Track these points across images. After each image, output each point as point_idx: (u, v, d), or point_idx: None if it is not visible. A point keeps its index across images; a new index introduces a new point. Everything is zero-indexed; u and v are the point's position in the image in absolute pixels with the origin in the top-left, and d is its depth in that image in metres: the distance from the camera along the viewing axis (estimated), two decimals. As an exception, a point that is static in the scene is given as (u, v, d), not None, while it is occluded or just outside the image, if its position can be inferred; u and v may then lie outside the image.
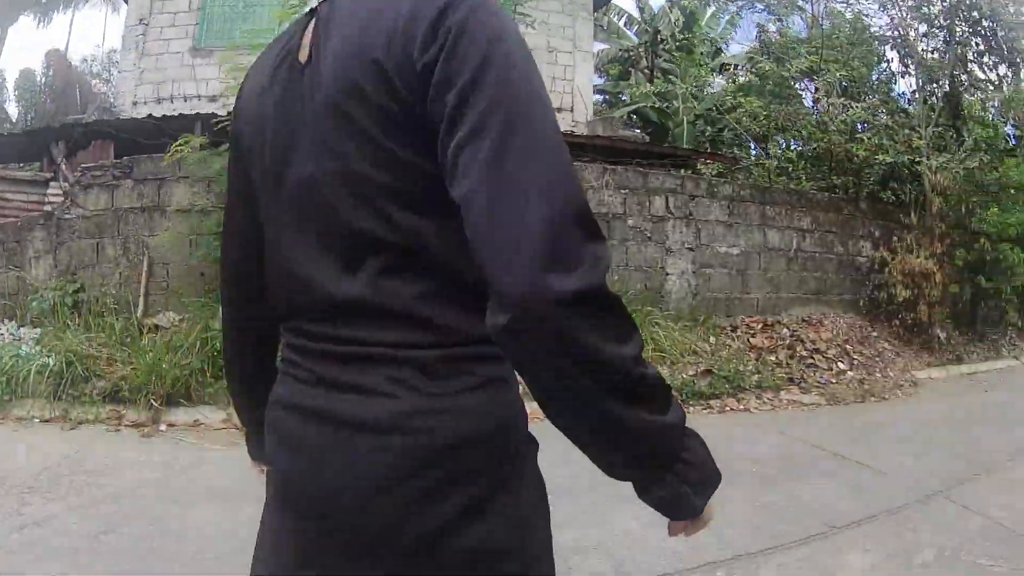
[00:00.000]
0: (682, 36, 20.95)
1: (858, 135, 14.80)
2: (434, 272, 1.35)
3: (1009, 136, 17.10)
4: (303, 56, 1.44)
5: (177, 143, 9.23)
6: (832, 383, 10.96)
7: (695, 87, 19.01)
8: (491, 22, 1.28)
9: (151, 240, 10.03)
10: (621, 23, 24.02)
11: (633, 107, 19.35)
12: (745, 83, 19.49)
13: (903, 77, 17.78)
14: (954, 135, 15.43)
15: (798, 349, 11.71)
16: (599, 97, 23.30)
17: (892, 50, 17.70)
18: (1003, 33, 16.27)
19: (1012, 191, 14.37)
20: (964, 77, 16.50)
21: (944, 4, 16.27)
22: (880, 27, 18.26)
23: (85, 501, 5.59)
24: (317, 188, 1.39)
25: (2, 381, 8.11)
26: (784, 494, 6.26)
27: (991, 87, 17.01)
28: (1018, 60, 16.85)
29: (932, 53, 16.53)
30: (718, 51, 22.64)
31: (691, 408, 9.37)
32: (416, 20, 1.28)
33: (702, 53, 20.91)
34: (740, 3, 20.97)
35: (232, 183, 1.73)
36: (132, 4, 16.47)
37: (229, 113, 8.50)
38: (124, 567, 4.51)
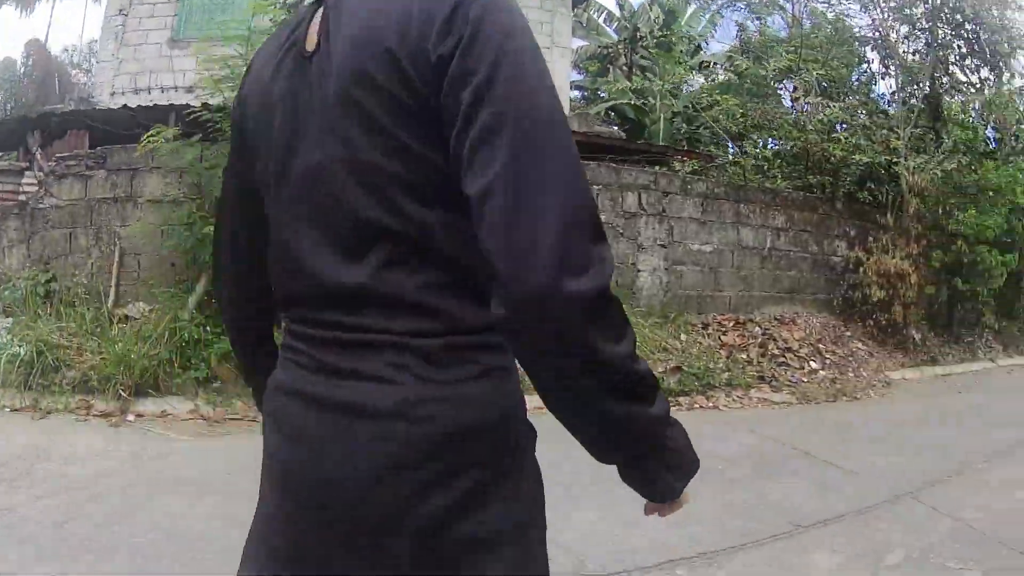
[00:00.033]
0: (661, 33, 20.89)
1: (835, 135, 14.72)
2: (439, 262, 1.35)
3: (989, 139, 17.09)
4: (310, 45, 1.44)
5: (149, 133, 9.18)
6: (804, 382, 10.91)
7: (672, 84, 18.93)
8: (506, 19, 1.29)
9: (123, 230, 9.97)
10: (601, 19, 23.95)
11: (610, 103, 19.32)
12: (724, 81, 19.46)
13: (883, 78, 17.84)
14: (933, 137, 15.37)
15: (770, 347, 11.64)
16: (577, 93, 23.27)
17: (873, 51, 17.72)
18: (986, 36, 16.26)
19: (990, 193, 14.35)
20: (945, 79, 16.45)
21: (927, 6, 16.25)
22: (861, 28, 18.32)
23: (49, 490, 5.55)
24: (324, 177, 1.39)
25: (-27, 371, 8.06)
26: (752, 492, 6.22)
27: (972, 90, 17.00)
28: (1000, 63, 16.87)
29: (913, 55, 16.58)
30: (698, 49, 22.62)
31: (660, 405, 9.21)
32: (431, 12, 1.28)
33: (681, 51, 20.88)
34: (721, 1, 20.98)
35: (232, 176, 1.74)
36: (112, -6, 16.30)
37: (204, 104, 9.15)
38: (86, 556, 4.47)
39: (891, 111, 16.68)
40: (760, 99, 17.30)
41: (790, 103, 17.73)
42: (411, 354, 1.33)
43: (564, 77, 17.47)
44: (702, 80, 21.33)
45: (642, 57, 21.07)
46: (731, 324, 12.20)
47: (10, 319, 9.29)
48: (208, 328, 8.51)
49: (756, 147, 15.89)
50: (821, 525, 5.50)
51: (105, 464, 6.21)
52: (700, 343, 11.34)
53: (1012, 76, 17.80)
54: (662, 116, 17.82)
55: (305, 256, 1.44)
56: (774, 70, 17.12)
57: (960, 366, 13.71)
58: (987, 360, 14.46)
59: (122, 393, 7.80)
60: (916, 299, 13.39)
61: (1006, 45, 16.58)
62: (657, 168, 13.44)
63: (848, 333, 13.29)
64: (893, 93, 16.98)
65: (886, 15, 16.70)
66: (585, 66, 23.64)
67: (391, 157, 1.31)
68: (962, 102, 16.69)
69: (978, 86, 17.05)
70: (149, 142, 9.16)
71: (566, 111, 14.91)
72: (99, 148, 10.78)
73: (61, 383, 7.95)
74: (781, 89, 18.49)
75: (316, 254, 1.42)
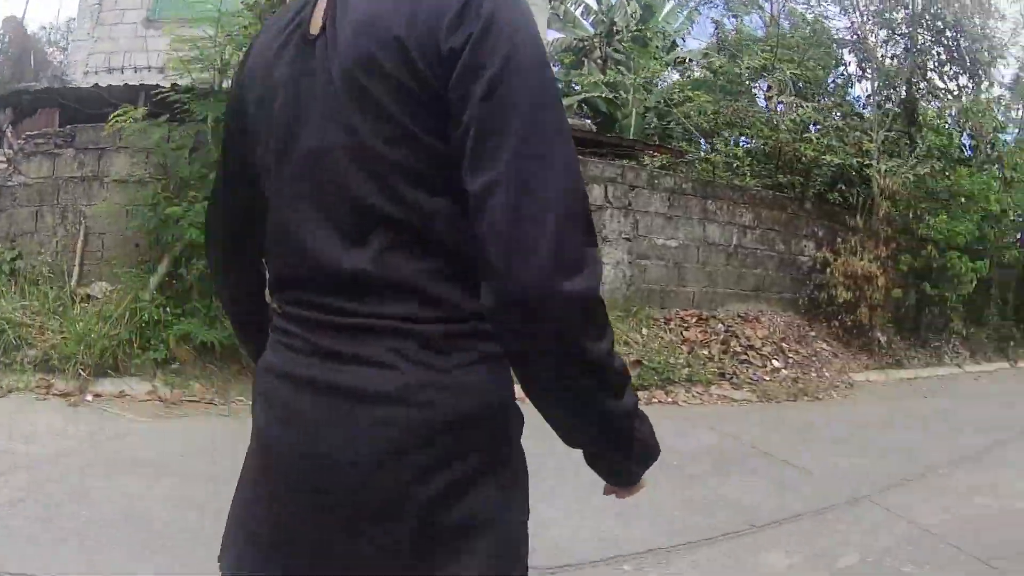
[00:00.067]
0: (637, 28, 20.78)
1: (807, 135, 14.72)
2: (439, 250, 1.36)
3: (965, 146, 17.11)
4: (314, 28, 1.43)
5: (116, 113, 9.11)
6: (765, 380, 10.87)
7: (646, 79, 18.83)
8: (517, 16, 1.31)
9: (89, 209, 9.93)
10: (578, 12, 23.81)
11: (583, 96, 19.16)
12: (699, 78, 19.41)
13: (860, 81, 17.96)
14: (908, 141, 15.36)
15: (732, 345, 11.58)
16: (551, 85, 22.92)
17: (850, 54, 17.71)
18: (967, 44, 16.30)
19: (963, 200, 14.39)
20: (923, 85, 16.47)
21: (907, 12, 16.27)
22: (839, 30, 18.32)
23: (7, 468, 5.53)
24: (326, 162, 1.39)
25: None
26: (708, 489, 6.21)
27: (950, 96, 17.00)
28: (980, 72, 16.91)
29: (891, 59, 16.52)
30: (674, 45, 22.53)
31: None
32: (441, 2, 1.29)
33: (657, 47, 20.74)
34: (699, -1, 20.93)
35: (229, 160, 1.72)
36: (89, -27, 16.25)
37: (172, 85, 9.25)
38: (36, 536, 4.47)
39: (866, 114, 16.69)
40: (733, 96, 17.22)
41: (764, 102, 17.63)
42: (411, 340, 1.34)
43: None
44: (677, 76, 21.27)
45: (615, 50, 20.96)
46: (694, 320, 12.13)
47: (-26, 296, 9.34)
48: (168, 309, 8.46)
49: (727, 144, 15.78)
50: (776, 525, 5.45)
51: (63, 444, 6.21)
52: (662, 338, 11.27)
53: (991, 85, 17.92)
54: (634, 111, 17.75)
55: (305, 239, 1.43)
56: (748, 68, 17.02)
57: (926, 370, 13.73)
58: (954, 366, 14.51)
59: (82, 373, 7.78)
60: (883, 302, 13.38)
61: (987, 54, 16.66)
62: (625, 162, 13.34)
63: (812, 333, 13.25)
64: (869, 96, 17.01)
65: (865, 19, 16.66)
66: (560, 58, 23.44)
67: (396, 145, 1.32)
68: (938, 108, 16.70)
69: (956, 93, 17.06)
70: (117, 122, 9.08)
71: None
72: (68, 127, 10.76)
73: (22, 361, 7.94)
74: (756, 88, 18.46)
75: (317, 238, 1.41)
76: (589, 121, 17.92)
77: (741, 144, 16.12)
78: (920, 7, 16.00)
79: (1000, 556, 4.96)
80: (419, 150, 1.31)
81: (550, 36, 20.66)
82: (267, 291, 1.68)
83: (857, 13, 16.78)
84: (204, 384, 7.90)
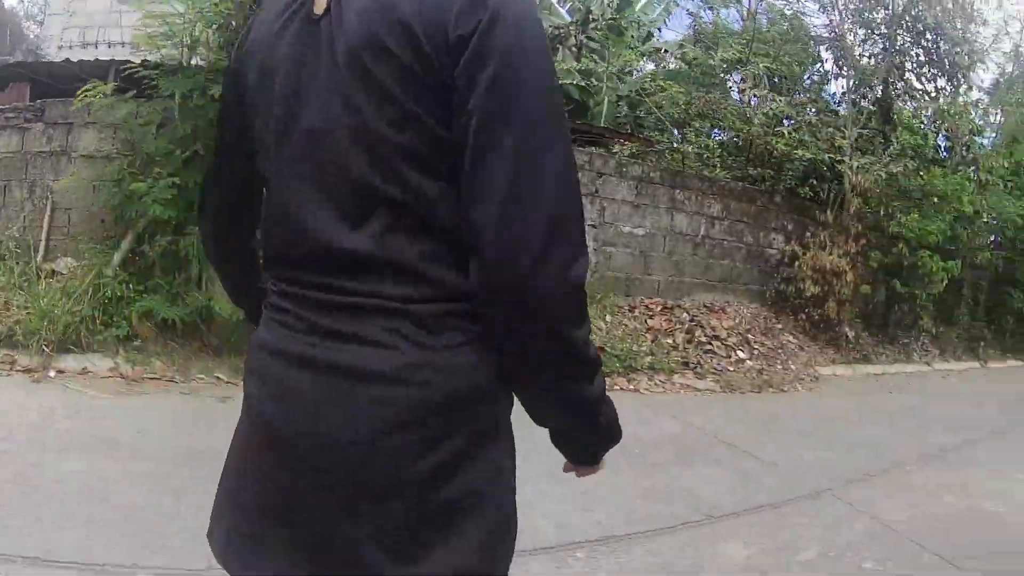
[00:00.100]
0: (612, 17, 20.67)
1: (780, 129, 14.81)
2: (436, 231, 1.37)
3: (940, 147, 17.28)
4: (319, 8, 1.42)
5: (84, 88, 9.00)
6: (729, 371, 10.81)
7: (618, 68, 18.74)
8: (522, 8, 1.33)
9: (56, 184, 9.82)
10: (554, 0, 23.74)
11: (557, 83, 19.05)
12: (674, 69, 19.37)
13: (836, 79, 17.93)
14: (882, 139, 15.42)
15: (697, 334, 11.50)
16: (524, 72, 22.90)
17: (827, 51, 17.73)
18: (946, 47, 16.31)
19: (935, 199, 14.48)
20: (900, 85, 16.53)
21: (887, 12, 16.25)
22: (817, 27, 18.35)
23: None
24: (328, 142, 1.39)
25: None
26: (667, 479, 6.11)
27: (927, 97, 17.07)
28: (959, 75, 16.88)
29: (869, 58, 16.53)
30: (650, 35, 22.45)
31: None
32: None
33: (633, 36, 20.66)
34: (677, -11, 20.89)
35: (226, 130, 1.72)
36: (66, -55, 16.41)
37: (143, 61, 9.10)
38: None
39: (841, 111, 16.74)
40: (707, 88, 17.27)
41: (738, 95, 17.68)
42: (407, 320, 1.35)
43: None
44: (652, 67, 21.22)
45: (590, 39, 20.85)
46: (659, 308, 12.06)
47: (-59, 271, 9.39)
48: (131, 285, 8.39)
49: (699, 135, 15.90)
50: (736, 516, 5.36)
51: (25, 419, 6.14)
52: (625, 325, 11.18)
53: (970, 88, 17.94)
54: (606, 99, 17.64)
55: (306, 219, 1.43)
56: (722, 60, 17.11)
57: (894, 366, 13.75)
58: (923, 363, 14.56)
59: (45, 349, 7.73)
60: (851, 297, 13.43)
61: (966, 58, 16.68)
62: (593, 149, 13.30)
63: (779, 326, 13.24)
64: (844, 94, 16.98)
65: (844, 17, 16.63)
66: (535, 45, 23.46)
67: (399, 127, 1.32)
68: (914, 108, 16.81)
69: (933, 95, 17.12)
70: (86, 96, 8.99)
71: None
72: (39, 101, 10.68)
73: (-13, 337, 7.96)
74: (730, 81, 18.52)
75: (318, 218, 1.41)
76: (560, 108, 17.86)
77: (713, 136, 16.26)
78: (900, 8, 16.01)
79: (968, 556, 4.87)
80: (422, 133, 1.32)
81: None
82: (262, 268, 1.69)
83: (836, 11, 16.74)
84: (165, 361, 7.84)
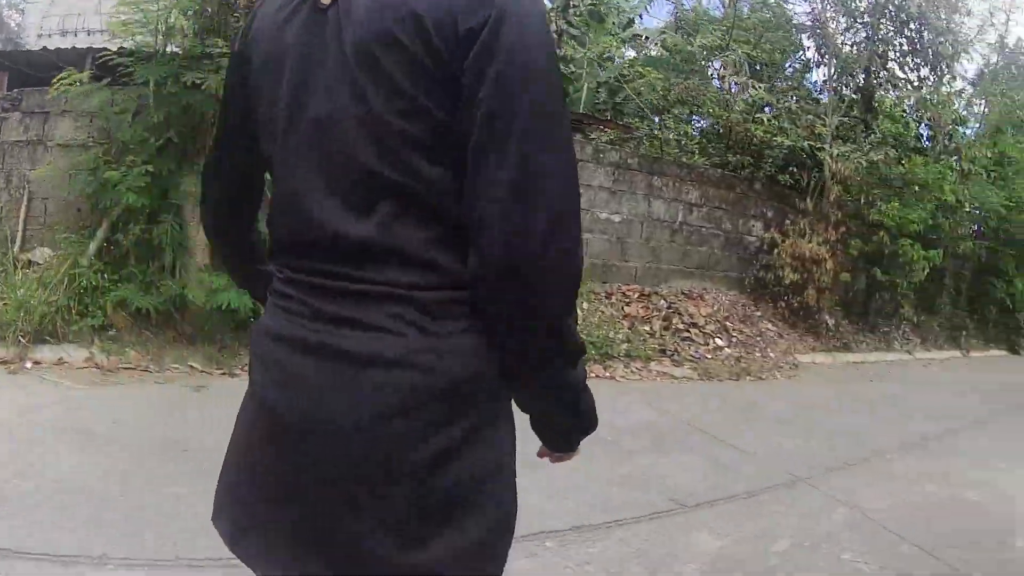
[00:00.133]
0: (593, 3, 20.60)
1: (759, 116, 14.77)
2: (441, 219, 1.38)
3: (922, 136, 17.32)
4: None
5: (60, 77, 8.90)
6: (707, 358, 10.75)
7: (598, 54, 18.70)
8: (529, 6, 1.35)
9: (32, 174, 9.69)
10: (535, -14, 23.65)
11: (534, 69, 19.01)
12: (655, 56, 19.33)
13: (818, 67, 17.76)
14: (863, 128, 15.38)
15: (674, 321, 11.42)
16: (503, 58, 22.88)
17: (809, 39, 17.54)
18: (930, 37, 16.24)
19: (916, 188, 14.51)
20: (883, 73, 16.41)
21: (870, 1, 16.20)
22: (799, 15, 18.27)
23: None
24: (335, 131, 1.40)
25: None
26: (641, 466, 6.04)
27: (910, 87, 17.00)
28: (942, 65, 16.82)
29: (852, 47, 16.46)
30: (631, 22, 22.39)
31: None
32: None
33: (614, 23, 20.59)
34: (657, -24, 20.84)
35: (230, 113, 1.74)
36: (45, -68, 16.21)
37: (120, 48, 9.03)
38: None
39: (823, 99, 16.71)
40: (686, 75, 17.26)
41: (718, 82, 17.60)
42: (412, 306, 1.36)
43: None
44: (632, 54, 21.20)
45: (569, 24, 20.76)
46: (636, 295, 11.97)
47: (-83, 262, 9.34)
48: (106, 275, 8.30)
49: (679, 122, 15.92)
50: (710, 505, 5.31)
51: (0, 411, 6.09)
52: (602, 312, 11.12)
53: (953, 79, 17.89)
54: (586, 85, 17.59)
55: (312, 208, 1.44)
56: (701, 47, 17.04)
57: (874, 355, 13.76)
58: (904, 352, 14.59)
59: (22, 340, 7.67)
60: (831, 285, 13.38)
61: (950, 48, 16.62)
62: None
63: (758, 313, 13.19)
64: (825, 82, 16.85)
65: (826, 5, 16.55)
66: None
67: (407, 117, 1.33)
68: (897, 97, 16.81)
69: (916, 84, 17.06)
70: (62, 85, 8.88)
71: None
72: (16, 90, 10.56)
73: (-37, 329, 7.92)
74: (710, 67, 18.47)
75: (324, 207, 1.42)
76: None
77: (693, 123, 16.24)
78: (884, -2, 15.94)
79: (949, 545, 4.80)
80: (430, 123, 1.33)
81: (506, 9, 20.49)
82: (265, 254, 1.71)
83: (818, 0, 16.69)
84: (140, 351, 7.78)
